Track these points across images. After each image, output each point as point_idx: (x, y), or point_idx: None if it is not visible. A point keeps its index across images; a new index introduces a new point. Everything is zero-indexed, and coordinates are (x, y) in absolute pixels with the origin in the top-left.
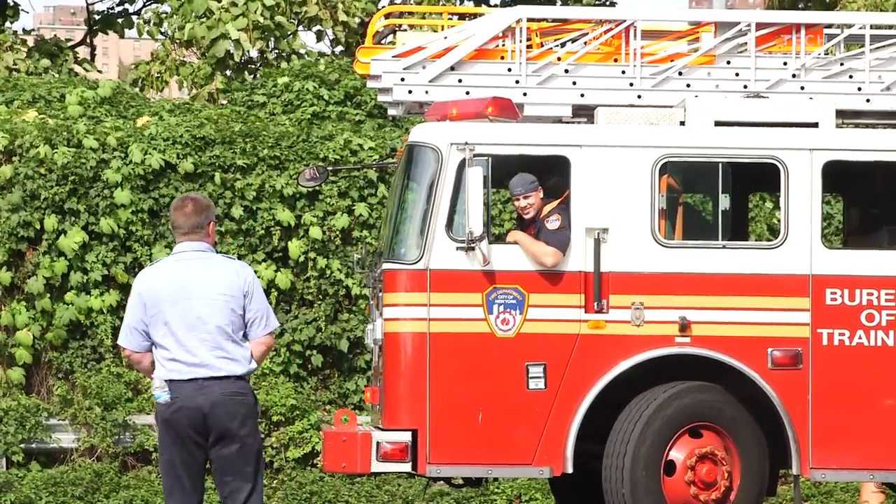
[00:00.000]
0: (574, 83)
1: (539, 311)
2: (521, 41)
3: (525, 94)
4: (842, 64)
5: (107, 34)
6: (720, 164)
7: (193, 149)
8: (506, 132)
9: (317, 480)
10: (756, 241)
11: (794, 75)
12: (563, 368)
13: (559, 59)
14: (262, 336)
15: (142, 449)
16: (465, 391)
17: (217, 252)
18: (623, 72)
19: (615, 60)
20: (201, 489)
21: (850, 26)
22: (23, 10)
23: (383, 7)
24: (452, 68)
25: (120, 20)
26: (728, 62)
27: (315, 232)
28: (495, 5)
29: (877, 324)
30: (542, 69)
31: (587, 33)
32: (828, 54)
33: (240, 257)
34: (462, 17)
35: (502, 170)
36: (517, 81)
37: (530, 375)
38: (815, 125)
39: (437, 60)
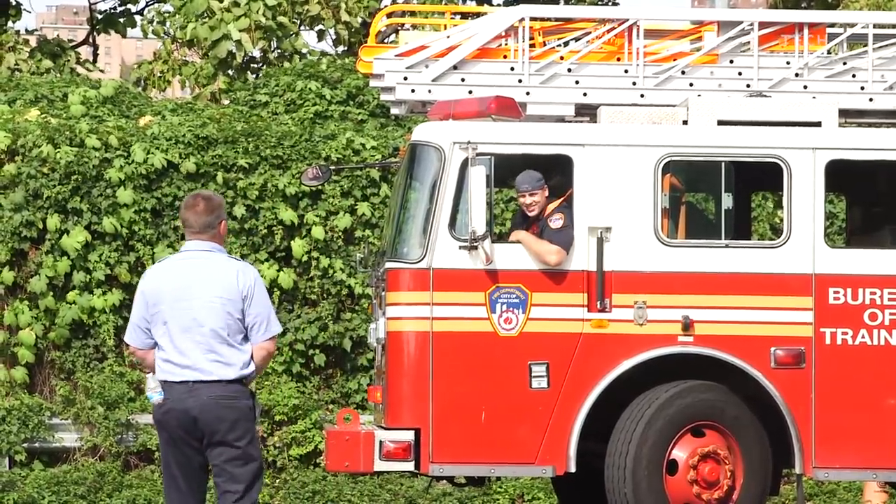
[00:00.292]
0: (577, 82)
1: (542, 311)
2: (523, 40)
3: (528, 94)
4: (845, 63)
5: (109, 34)
6: (723, 164)
7: (196, 148)
8: (508, 131)
9: (319, 479)
10: (759, 240)
11: (796, 74)
12: (565, 367)
13: (562, 58)
14: (261, 341)
15: (144, 448)
16: (467, 390)
17: (226, 252)
18: (626, 71)
19: (618, 59)
20: (199, 490)
21: (852, 25)
22: (25, 9)
23: (386, 6)
24: (455, 67)
25: (122, 20)
26: (731, 61)
27: (318, 231)
28: (498, 5)
29: (880, 323)
30: (544, 68)
31: (590, 32)
32: (831, 53)
33: (243, 257)
34: (465, 16)
35: (505, 169)
36: (520, 80)
37: (533, 374)
38: (818, 124)
39: (440, 59)
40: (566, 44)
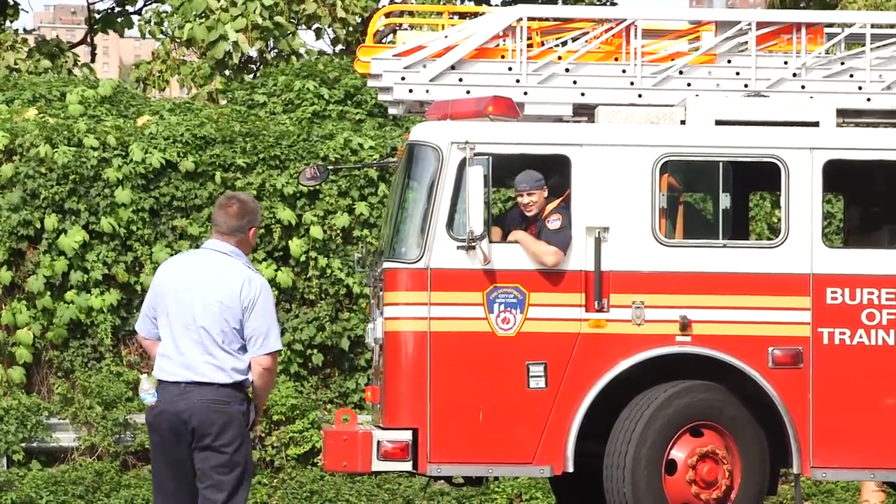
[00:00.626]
0: (575, 82)
1: (540, 311)
2: (521, 40)
3: (526, 94)
4: (842, 63)
5: (107, 34)
6: (721, 163)
7: (194, 148)
8: (506, 131)
9: (317, 479)
10: (757, 240)
11: (794, 74)
12: (563, 367)
13: (560, 58)
14: (257, 355)
15: (142, 448)
16: (465, 390)
17: (245, 259)
18: (624, 71)
19: (616, 59)
20: (188, 494)
21: (850, 25)
22: (23, 9)
23: (384, 6)
24: (453, 67)
25: (120, 20)
26: (729, 61)
27: (316, 231)
28: (496, 5)
29: (877, 323)
30: (542, 68)
31: (588, 32)
32: (828, 53)
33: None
34: (463, 16)
35: (503, 169)
36: (518, 80)
37: (531, 374)
38: (816, 124)
39: (438, 59)
40: (564, 44)
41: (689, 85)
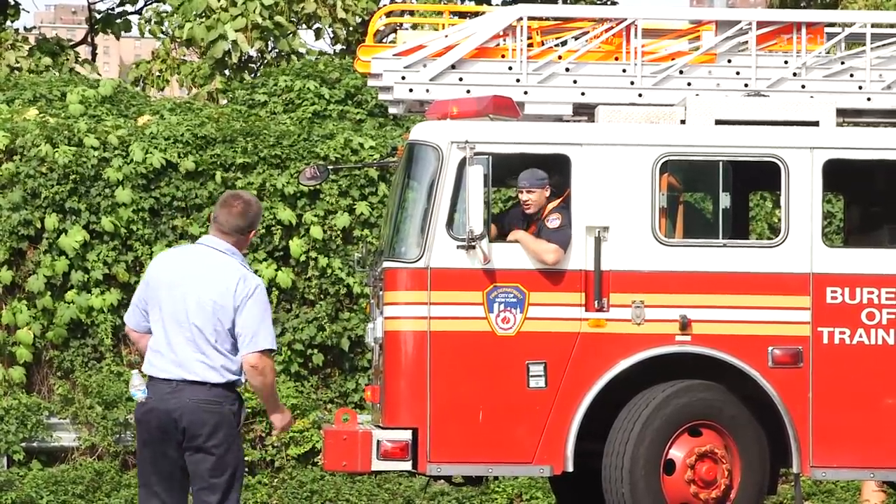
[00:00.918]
0: (575, 82)
1: (540, 310)
2: (521, 40)
3: (526, 93)
4: (842, 63)
5: (107, 34)
6: (721, 163)
7: (194, 147)
8: (506, 131)
9: (317, 479)
10: (757, 239)
11: (794, 74)
12: (563, 367)
13: (560, 57)
14: (245, 353)
15: None
16: (465, 390)
17: (241, 259)
18: (624, 70)
19: (616, 59)
20: (173, 492)
21: (850, 25)
22: (24, 9)
23: (384, 6)
24: (453, 67)
25: (119, 20)
26: (729, 61)
27: (316, 231)
28: (496, 5)
29: (877, 322)
30: (542, 68)
31: (588, 32)
32: (829, 53)
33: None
34: (463, 15)
35: (503, 168)
36: (518, 80)
37: (531, 374)
38: (816, 124)
39: (438, 59)
40: (564, 43)
41: (689, 84)
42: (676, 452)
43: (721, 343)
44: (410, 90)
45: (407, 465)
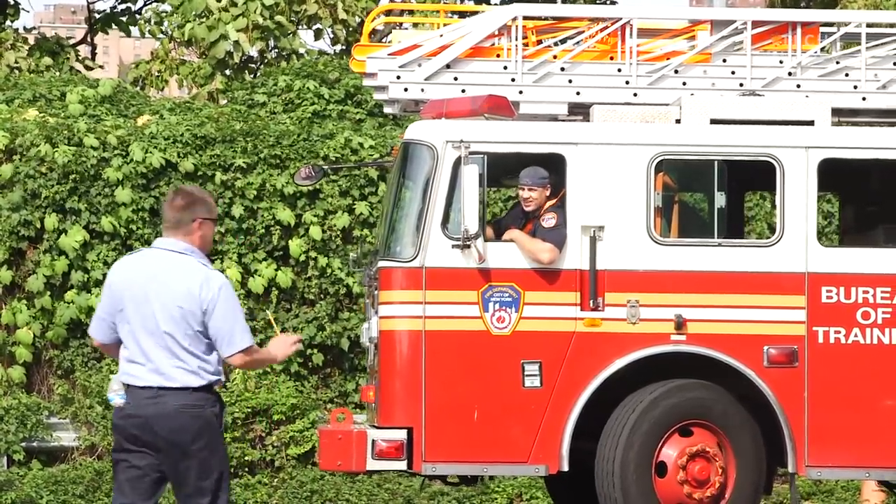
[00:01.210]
0: (570, 81)
1: (535, 309)
2: (517, 39)
3: (521, 92)
4: (838, 62)
5: (107, 33)
6: (716, 162)
7: (194, 148)
8: (501, 130)
9: (317, 479)
10: (754, 238)
11: (789, 73)
12: (558, 366)
13: (555, 57)
14: (227, 356)
15: None
16: (460, 389)
17: (202, 256)
18: (619, 70)
19: (611, 58)
20: (143, 500)
21: (845, 25)
22: (23, 9)
23: (381, 5)
24: (448, 66)
25: (124, 18)
26: (724, 60)
27: (315, 231)
28: (495, 4)
29: (872, 322)
30: (537, 67)
31: (583, 31)
32: (825, 52)
33: (240, 256)
34: (461, 15)
35: (498, 168)
36: (513, 79)
37: (526, 373)
38: (811, 123)
39: (433, 58)
40: (562, 41)
41: (684, 84)
42: (667, 454)
43: (716, 342)
44: (405, 89)
45: (402, 465)
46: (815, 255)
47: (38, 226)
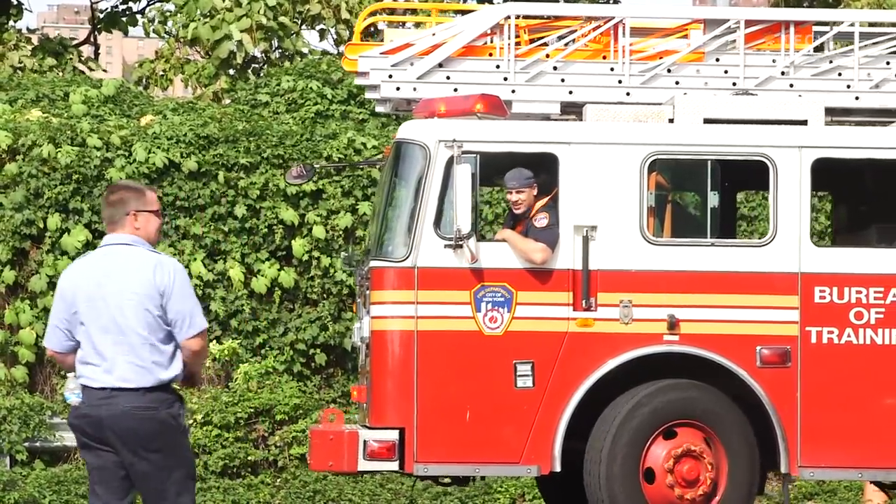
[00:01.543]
0: (563, 80)
1: (527, 309)
2: (509, 38)
3: (513, 91)
4: (831, 62)
5: (111, 33)
6: (709, 162)
7: (197, 147)
8: (494, 129)
9: (320, 479)
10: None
11: (783, 73)
12: (551, 367)
13: (548, 56)
14: (186, 339)
15: None
16: (452, 389)
17: (149, 246)
18: (612, 69)
19: (604, 57)
20: (116, 496)
21: (838, 24)
22: (26, 9)
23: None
24: (440, 65)
25: (124, 18)
26: (717, 59)
27: (318, 231)
28: (489, 1)
29: (865, 322)
30: (530, 66)
31: (576, 30)
32: (818, 51)
33: (243, 256)
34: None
35: (490, 167)
36: (505, 78)
37: (518, 373)
38: (805, 123)
39: (425, 57)
40: (559, 38)
41: (677, 83)
42: (653, 460)
43: (709, 343)
44: (398, 88)
45: (393, 466)
46: (809, 255)
47: (41, 226)
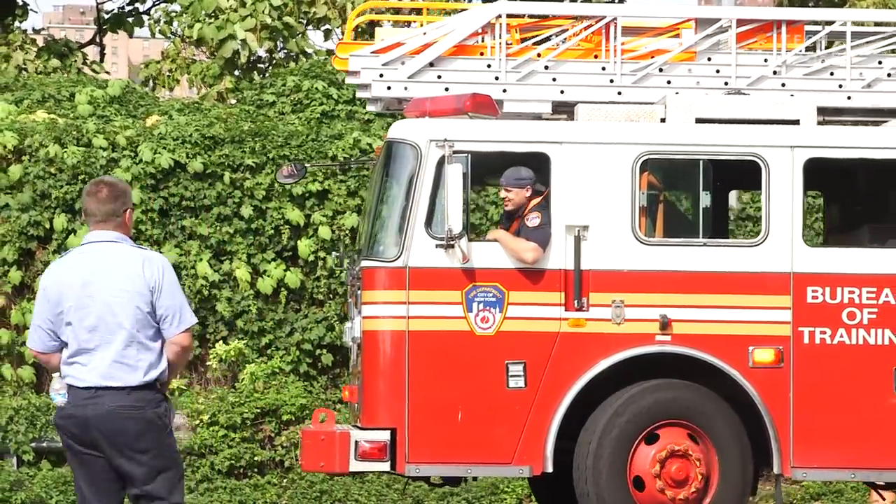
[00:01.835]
0: (554, 79)
1: (519, 309)
2: (500, 37)
3: (505, 91)
4: (823, 61)
5: (117, 33)
6: (701, 161)
7: (203, 148)
8: (485, 129)
9: (327, 479)
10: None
11: (774, 72)
12: (542, 367)
13: (539, 55)
14: (174, 335)
15: None
16: (444, 390)
17: (135, 243)
18: (603, 68)
19: (595, 57)
20: (103, 496)
21: (830, 23)
22: (31, 9)
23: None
24: (432, 64)
25: (130, 19)
26: (709, 59)
27: (324, 231)
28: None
29: (858, 322)
30: (521, 65)
31: (567, 29)
32: (809, 50)
33: (249, 256)
34: (447, 13)
35: (482, 167)
36: (497, 78)
37: (510, 374)
38: (797, 122)
39: (416, 56)
40: (548, 38)
41: (669, 83)
42: (640, 466)
43: (701, 343)
44: (388, 88)
45: (385, 466)
46: (801, 255)
47: (48, 226)
